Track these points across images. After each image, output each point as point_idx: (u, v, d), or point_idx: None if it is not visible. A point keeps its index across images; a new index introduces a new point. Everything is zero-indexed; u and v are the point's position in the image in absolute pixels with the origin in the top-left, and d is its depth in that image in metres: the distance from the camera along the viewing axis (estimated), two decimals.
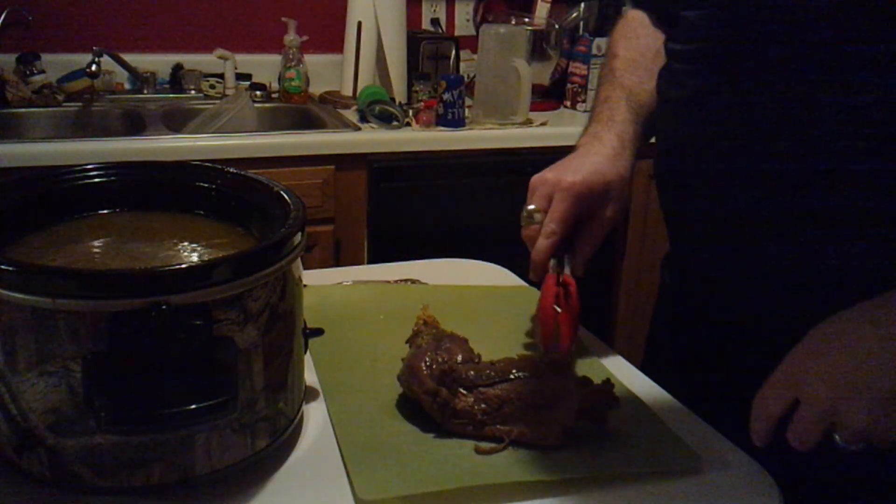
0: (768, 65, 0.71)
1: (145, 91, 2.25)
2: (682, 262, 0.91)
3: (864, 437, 0.60)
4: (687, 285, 0.90)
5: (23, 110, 2.06)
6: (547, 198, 0.84)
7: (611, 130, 0.90)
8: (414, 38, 2.33)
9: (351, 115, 2.14)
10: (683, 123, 0.80)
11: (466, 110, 2.09)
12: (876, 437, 0.60)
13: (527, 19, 2.28)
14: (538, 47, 2.29)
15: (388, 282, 1.01)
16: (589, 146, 0.89)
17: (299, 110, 2.25)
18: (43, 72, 2.13)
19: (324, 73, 2.40)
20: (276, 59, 2.32)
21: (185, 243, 0.69)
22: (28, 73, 2.11)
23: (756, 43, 0.72)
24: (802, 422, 0.61)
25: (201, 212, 0.75)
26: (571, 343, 0.80)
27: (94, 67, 2.08)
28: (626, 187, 0.87)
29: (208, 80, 2.25)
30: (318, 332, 0.74)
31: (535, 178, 0.86)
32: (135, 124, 1.99)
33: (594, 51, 2.28)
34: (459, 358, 0.72)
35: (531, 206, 0.85)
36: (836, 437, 0.61)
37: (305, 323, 0.70)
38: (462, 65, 2.42)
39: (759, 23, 0.72)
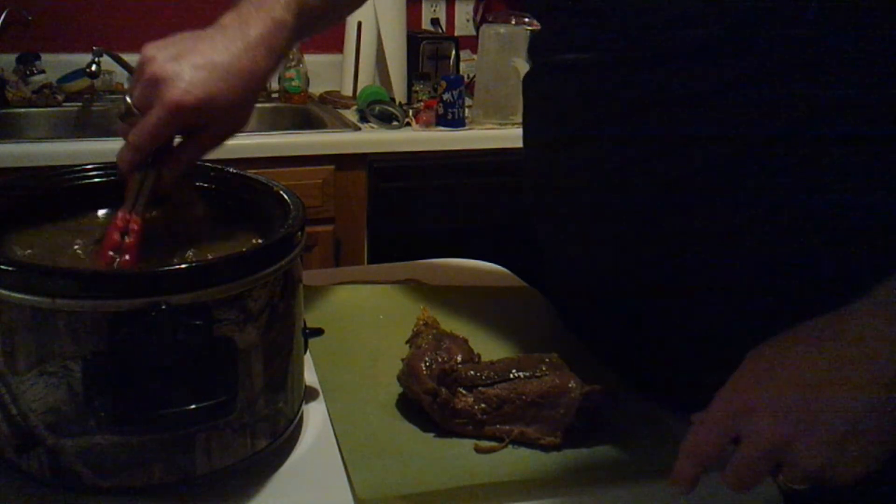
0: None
1: None
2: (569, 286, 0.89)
3: (815, 479, 0.53)
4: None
5: (23, 110, 2.06)
6: (146, 100, 0.66)
7: (261, 13, 0.72)
8: (414, 38, 2.33)
9: (351, 115, 2.14)
10: (551, 144, 0.79)
11: (466, 110, 2.09)
12: (829, 479, 0.53)
13: (527, 19, 2.28)
14: None
15: (389, 282, 1.01)
16: (230, 29, 0.70)
17: (299, 110, 2.25)
18: (43, 72, 2.13)
19: (324, 73, 2.40)
20: None
21: (185, 243, 0.69)
22: (28, 73, 2.11)
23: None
24: (744, 462, 0.54)
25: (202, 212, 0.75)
26: None
27: (94, 67, 2.08)
28: (256, 91, 0.70)
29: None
30: (318, 332, 0.74)
31: (145, 59, 0.66)
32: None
33: None
34: (459, 358, 0.72)
35: (128, 100, 0.67)
36: (780, 477, 0.55)
37: (305, 323, 0.70)
38: (462, 65, 2.42)
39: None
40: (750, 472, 0.55)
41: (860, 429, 0.52)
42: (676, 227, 0.70)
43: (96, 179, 0.74)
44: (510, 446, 0.68)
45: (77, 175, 0.73)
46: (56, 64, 2.15)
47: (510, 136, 2.06)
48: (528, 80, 0.88)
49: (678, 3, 0.65)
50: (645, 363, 0.79)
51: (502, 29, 2.14)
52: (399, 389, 0.73)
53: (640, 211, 0.72)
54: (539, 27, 0.88)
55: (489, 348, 0.76)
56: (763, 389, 0.55)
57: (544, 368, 0.71)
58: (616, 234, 0.75)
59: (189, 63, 0.66)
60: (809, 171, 0.63)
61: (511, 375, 0.70)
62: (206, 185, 0.75)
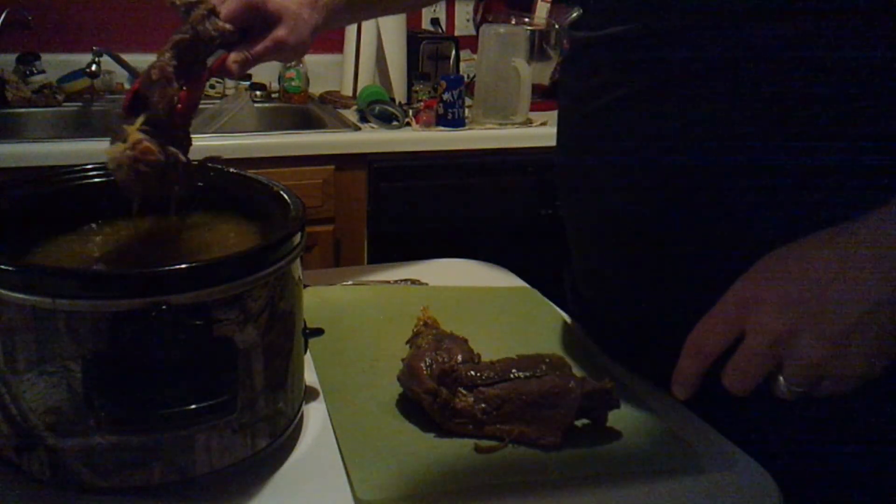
0: (690, 61, 0.67)
1: None
2: (594, 276, 0.88)
3: (815, 376, 0.55)
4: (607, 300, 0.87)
5: (23, 110, 2.06)
6: None
7: None
8: (414, 38, 2.33)
9: (351, 115, 2.14)
10: (582, 122, 0.79)
11: (466, 110, 2.09)
12: (828, 377, 0.54)
13: (527, 19, 2.28)
14: (538, 47, 2.29)
15: (389, 282, 1.01)
16: None
17: (299, 110, 2.25)
18: (43, 72, 2.13)
19: (324, 73, 2.40)
20: None
21: (184, 243, 0.69)
22: (28, 73, 2.11)
23: (677, 35, 0.68)
24: (747, 355, 0.55)
25: (200, 211, 0.75)
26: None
27: (94, 67, 2.08)
28: (304, 26, 0.84)
29: (208, 80, 2.25)
30: (318, 332, 0.74)
31: None
32: None
33: None
34: (459, 358, 0.72)
35: None
36: (781, 378, 0.56)
37: (305, 323, 0.70)
38: (462, 65, 2.42)
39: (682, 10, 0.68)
40: (752, 366, 0.55)
41: (864, 325, 0.53)
42: (713, 212, 0.69)
43: (96, 179, 0.73)
44: (510, 446, 0.68)
45: (77, 175, 0.73)
46: (56, 64, 2.15)
47: (510, 136, 2.07)
48: (566, 65, 0.88)
49: None
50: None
51: (502, 29, 2.14)
52: (399, 389, 0.73)
53: (672, 201, 0.71)
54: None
55: (489, 348, 0.76)
56: (771, 283, 0.56)
57: (544, 368, 0.71)
58: (646, 232, 0.75)
59: None
60: (861, 133, 0.63)
61: (511, 375, 0.70)
62: (206, 185, 0.75)
